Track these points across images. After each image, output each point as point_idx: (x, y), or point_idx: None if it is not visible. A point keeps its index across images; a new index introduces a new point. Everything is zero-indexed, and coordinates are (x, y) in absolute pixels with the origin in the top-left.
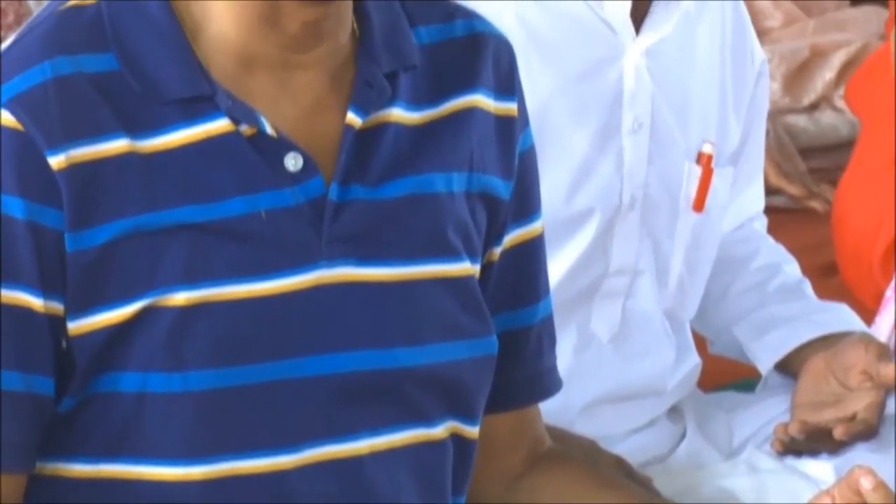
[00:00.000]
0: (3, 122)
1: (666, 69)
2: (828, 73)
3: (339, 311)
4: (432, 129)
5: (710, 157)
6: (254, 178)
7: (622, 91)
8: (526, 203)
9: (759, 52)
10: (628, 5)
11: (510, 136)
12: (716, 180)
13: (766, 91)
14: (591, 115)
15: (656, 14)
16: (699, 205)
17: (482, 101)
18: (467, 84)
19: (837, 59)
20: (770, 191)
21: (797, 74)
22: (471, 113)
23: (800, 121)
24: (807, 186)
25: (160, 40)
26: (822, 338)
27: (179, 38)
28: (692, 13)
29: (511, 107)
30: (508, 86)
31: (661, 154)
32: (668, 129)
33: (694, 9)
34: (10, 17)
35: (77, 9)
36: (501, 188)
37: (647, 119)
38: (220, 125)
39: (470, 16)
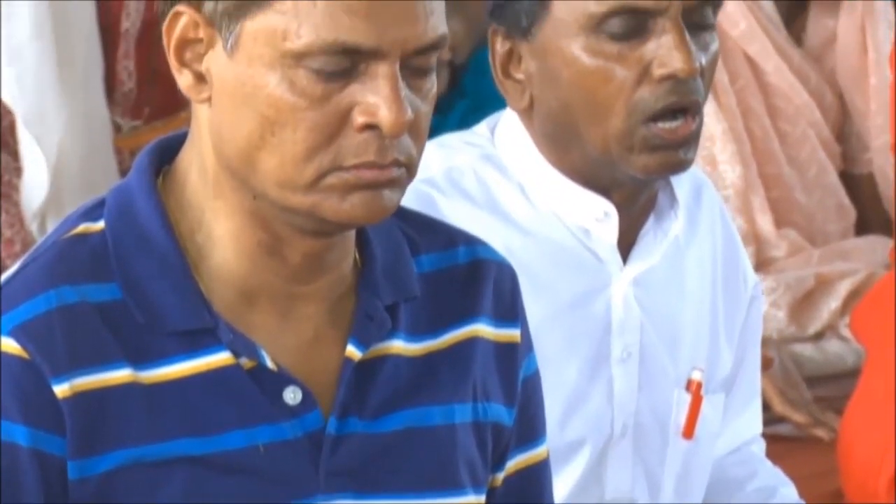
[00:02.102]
0: (10, 350)
1: (654, 298)
2: (833, 303)
3: None
4: (432, 360)
5: (699, 385)
6: (253, 412)
7: (611, 320)
8: (530, 428)
9: (751, 276)
10: (615, 235)
11: (513, 362)
12: (706, 408)
13: (760, 314)
14: (581, 344)
15: (644, 243)
16: (689, 432)
17: (483, 330)
18: (468, 313)
19: (843, 289)
20: (776, 419)
21: (803, 303)
22: (472, 343)
23: (806, 349)
24: (812, 415)
25: (163, 270)
26: None
27: (182, 269)
28: (681, 240)
29: (514, 333)
30: (511, 312)
31: (651, 382)
32: (658, 357)
33: (683, 236)
34: (17, 247)
35: (81, 237)
36: (504, 415)
37: (637, 348)
38: (221, 358)
39: (472, 242)
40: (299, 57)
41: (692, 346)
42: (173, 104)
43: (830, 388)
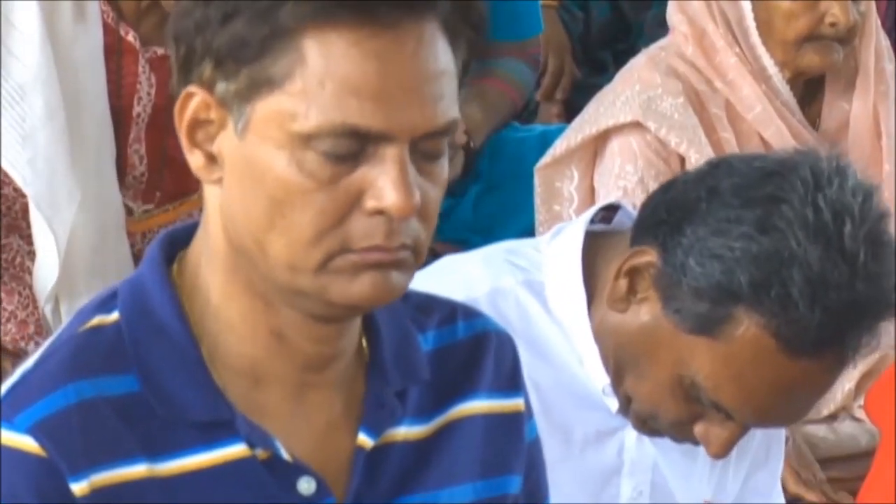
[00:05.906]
0: (27, 449)
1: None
2: (847, 384)
3: None
4: (434, 442)
5: None
6: (268, 503)
7: (623, 461)
8: (536, 493)
9: None
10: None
11: (520, 431)
12: None
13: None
14: (588, 486)
15: None
16: None
17: (476, 406)
18: (466, 389)
19: (856, 370)
20: (790, 499)
21: None
22: (468, 421)
23: (819, 430)
24: (826, 495)
25: (179, 361)
26: None
27: (197, 359)
28: None
29: (518, 402)
30: (513, 382)
31: None
32: (668, 492)
33: None
34: (31, 328)
35: (96, 329)
36: (512, 484)
37: (648, 486)
38: (238, 450)
39: (470, 315)
40: (308, 139)
41: (703, 478)
42: (185, 188)
43: (844, 468)
